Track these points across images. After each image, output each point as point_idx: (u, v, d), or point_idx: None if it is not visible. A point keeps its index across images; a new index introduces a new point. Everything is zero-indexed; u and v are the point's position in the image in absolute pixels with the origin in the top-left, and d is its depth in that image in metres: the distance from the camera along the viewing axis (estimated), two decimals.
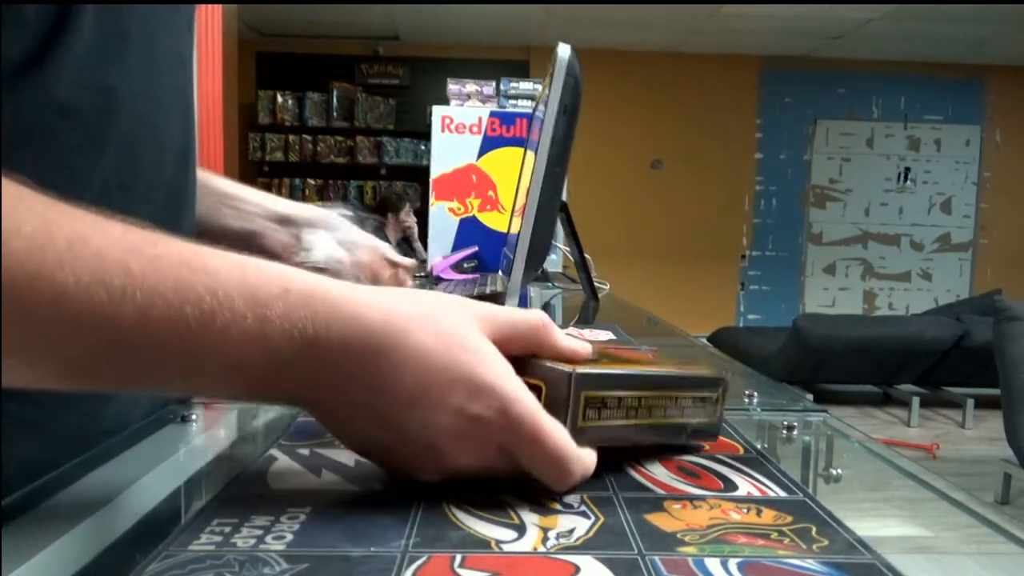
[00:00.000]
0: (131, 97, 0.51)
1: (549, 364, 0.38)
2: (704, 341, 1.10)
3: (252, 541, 0.32)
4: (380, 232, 4.93)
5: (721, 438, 0.49)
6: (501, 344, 0.37)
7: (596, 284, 1.56)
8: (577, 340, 0.41)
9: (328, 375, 0.35)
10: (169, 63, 0.57)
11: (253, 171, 6.30)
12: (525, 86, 3.18)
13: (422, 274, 1.87)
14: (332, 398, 0.36)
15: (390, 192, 5.91)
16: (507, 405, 0.35)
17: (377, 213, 5.16)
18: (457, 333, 0.36)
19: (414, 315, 0.36)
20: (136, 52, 0.52)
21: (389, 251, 0.93)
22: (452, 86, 3.12)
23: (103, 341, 0.32)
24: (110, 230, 0.33)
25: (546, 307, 1.47)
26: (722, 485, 0.40)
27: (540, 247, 1.11)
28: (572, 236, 1.50)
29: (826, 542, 0.33)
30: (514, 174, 1.59)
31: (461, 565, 0.30)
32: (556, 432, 0.36)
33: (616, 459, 0.43)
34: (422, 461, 0.36)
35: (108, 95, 0.50)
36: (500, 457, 0.36)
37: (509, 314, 0.39)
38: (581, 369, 0.38)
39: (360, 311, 0.35)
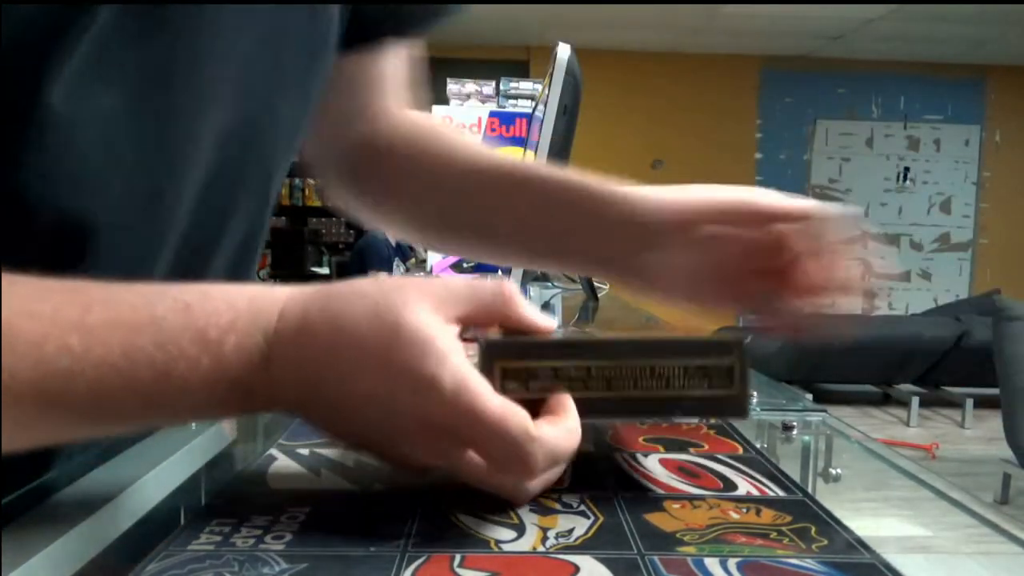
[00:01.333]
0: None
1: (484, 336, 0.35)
2: None
3: (251, 541, 0.32)
4: (380, 231, 4.92)
5: (720, 438, 0.49)
6: (466, 320, 0.35)
7: (596, 284, 1.56)
8: (541, 314, 0.38)
9: (293, 380, 0.35)
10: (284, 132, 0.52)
11: None
12: (525, 86, 3.18)
13: (422, 274, 1.87)
14: (304, 398, 0.36)
15: None
16: (451, 394, 0.32)
17: None
18: (401, 327, 0.33)
19: (356, 312, 0.34)
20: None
21: None
22: (452, 86, 3.12)
23: (65, 421, 0.33)
24: (40, 310, 0.32)
25: (546, 307, 1.47)
26: (721, 485, 0.40)
27: None
28: None
29: (825, 542, 0.33)
30: None
31: (460, 565, 0.30)
32: (501, 411, 0.32)
33: (614, 458, 0.43)
34: (399, 446, 0.35)
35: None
36: (463, 455, 0.34)
37: (471, 288, 0.36)
38: (496, 337, 0.35)
39: (304, 310, 0.35)
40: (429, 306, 0.34)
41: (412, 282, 0.36)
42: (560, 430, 0.33)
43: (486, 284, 0.37)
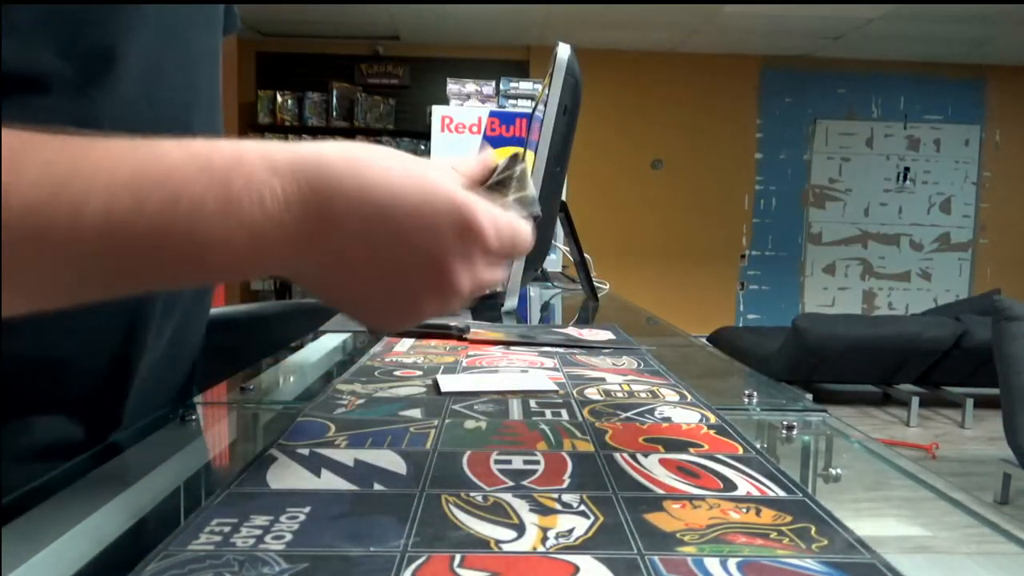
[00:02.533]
0: (157, 103, 0.52)
1: None
2: (704, 341, 1.10)
3: (251, 541, 0.32)
4: None
5: (720, 438, 0.49)
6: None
7: (595, 284, 1.56)
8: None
9: (309, 225, 0.35)
10: (194, 61, 0.57)
11: None
12: (525, 86, 3.18)
13: None
14: (319, 250, 0.36)
15: None
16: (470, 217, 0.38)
17: None
18: (410, 161, 0.39)
19: (370, 153, 0.38)
20: (175, 64, 0.53)
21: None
22: (452, 86, 3.12)
23: (75, 248, 0.32)
24: (48, 140, 0.32)
25: (546, 307, 1.47)
26: (721, 485, 0.40)
27: (540, 247, 1.11)
28: (572, 236, 1.50)
29: (825, 542, 0.33)
30: None
31: (460, 565, 0.30)
32: (506, 216, 0.42)
33: (614, 458, 0.43)
34: (425, 282, 0.38)
35: (142, 105, 0.50)
36: (485, 266, 0.40)
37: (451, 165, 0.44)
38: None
39: (321, 157, 0.36)
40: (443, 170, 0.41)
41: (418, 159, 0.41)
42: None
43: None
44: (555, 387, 0.63)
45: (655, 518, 0.35)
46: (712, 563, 0.30)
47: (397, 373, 0.68)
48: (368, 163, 0.37)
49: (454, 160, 0.45)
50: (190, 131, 0.56)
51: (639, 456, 0.44)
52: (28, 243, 0.31)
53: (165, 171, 0.33)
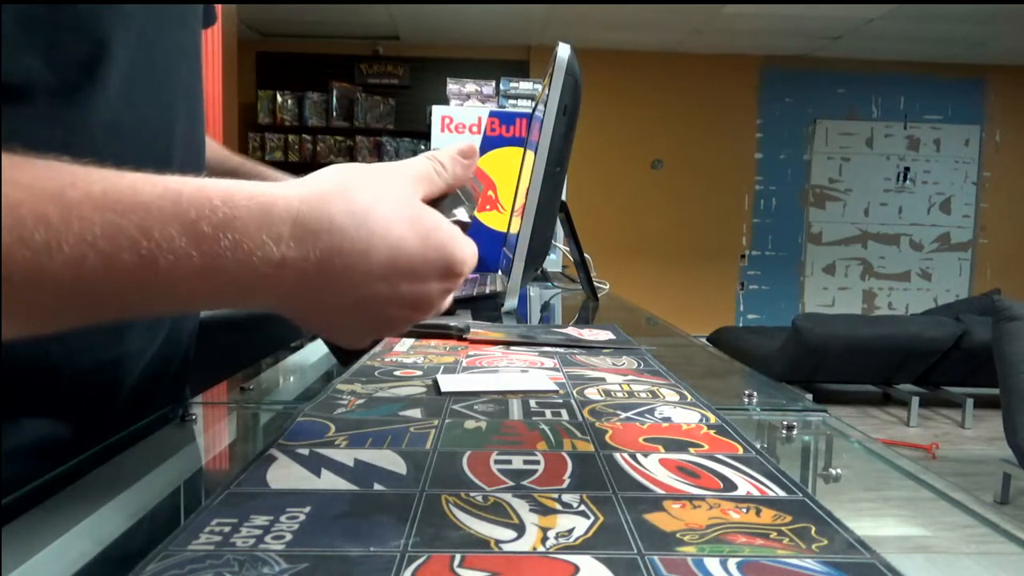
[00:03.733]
0: (141, 104, 0.52)
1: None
2: (704, 341, 1.10)
3: (251, 541, 0.32)
4: None
5: (720, 438, 0.49)
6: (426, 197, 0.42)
7: (596, 284, 1.56)
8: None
9: (295, 284, 0.36)
10: (175, 60, 0.57)
11: None
12: (525, 86, 3.18)
13: None
14: (302, 300, 0.37)
15: None
16: (454, 245, 0.40)
17: None
18: (404, 197, 0.39)
19: (375, 198, 0.38)
20: (151, 64, 0.53)
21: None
22: (452, 86, 3.12)
23: (42, 298, 0.30)
24: (18, 176, 0.30)
25: (546, 307, 1.47)
26: (721, 485, 0.40)
27: (540, 247, 1.11)
28: (572, 236, 1.50)
29: (825, 542, 0.33)
30: (514, 174, 1.59)
31: (460, 565, 0.30)
32: (465, 249, 0.41)
33: (614, 458, 0.43)
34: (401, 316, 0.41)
35: (125, 107, 0.50)
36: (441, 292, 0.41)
37: (427, 174, 0.42)
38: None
39: (323, 206, 0.36)
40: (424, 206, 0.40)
41: (401, 191, 0.40)
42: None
43: (424, 164, 0.43)
44: (555, 387, 0.63)
45: (655, 518, 0.35)
46: (712, 563, 0.30)
47: (397, 373, 0.68)
48: (373, 211, 0.37)
49: (439, 153, 0.45)
50: (172, 131, 0.56)
51: (639, 456, 0.44)
52: None
53: (144, 227, 0.31)
